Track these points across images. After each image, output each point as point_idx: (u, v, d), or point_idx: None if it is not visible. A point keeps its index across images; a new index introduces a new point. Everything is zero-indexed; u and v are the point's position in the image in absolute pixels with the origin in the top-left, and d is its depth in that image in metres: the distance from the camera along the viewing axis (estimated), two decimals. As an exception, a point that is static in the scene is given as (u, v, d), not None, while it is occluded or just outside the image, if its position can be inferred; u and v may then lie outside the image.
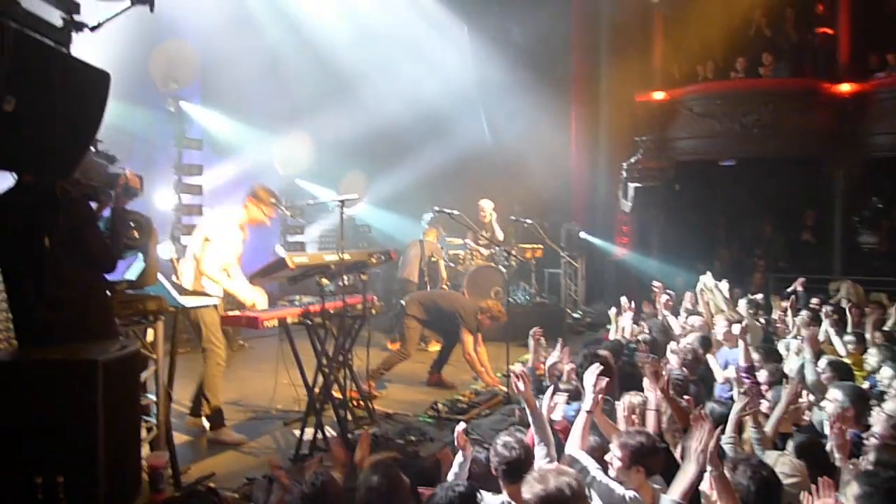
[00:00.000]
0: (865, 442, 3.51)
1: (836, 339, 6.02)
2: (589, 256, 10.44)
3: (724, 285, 7.75)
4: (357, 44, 10.18)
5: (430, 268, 8.67)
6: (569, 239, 10.30)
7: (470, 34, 10.86)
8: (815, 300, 7.87)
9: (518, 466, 3.18)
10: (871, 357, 5.32)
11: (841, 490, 2.83)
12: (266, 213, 5.43)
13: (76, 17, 3.12)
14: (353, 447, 4.38)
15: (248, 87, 9.90)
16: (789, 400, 3.90)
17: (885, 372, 4.66)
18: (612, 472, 3.07)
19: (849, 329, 6.49)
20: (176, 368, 4.41)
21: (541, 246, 9.89)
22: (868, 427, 3.66)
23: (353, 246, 8.76)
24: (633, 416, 4.01)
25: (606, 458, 3.21)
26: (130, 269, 4.18)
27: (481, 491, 3.24)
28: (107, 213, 3.78)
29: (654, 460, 3.07)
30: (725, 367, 5.50)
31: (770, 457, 3.33)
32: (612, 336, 6.68)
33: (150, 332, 4.13)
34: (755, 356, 5.02)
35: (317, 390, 5.09)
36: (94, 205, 3.62)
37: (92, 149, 3.49)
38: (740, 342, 4.91)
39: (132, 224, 3.85)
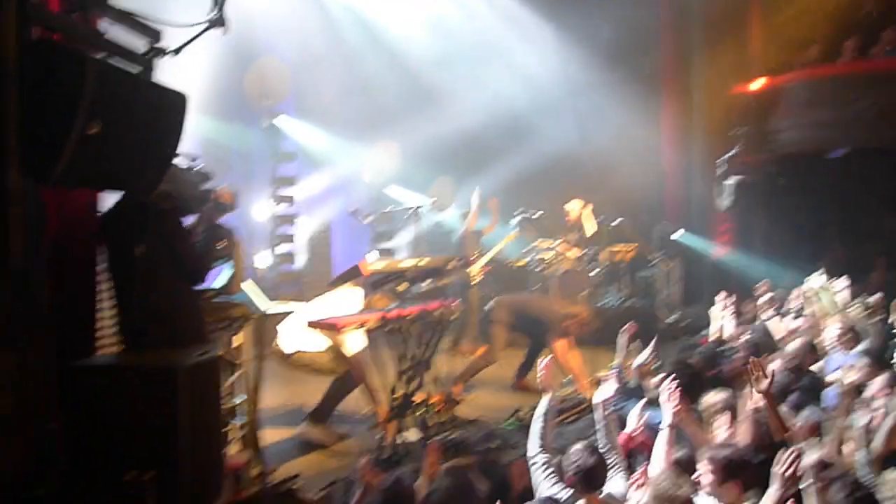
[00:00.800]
0: None
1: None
2: (684, 257, 9.98)
3: (841, 284, 7.18)
4: (441, 51, 10.27)
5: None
6: (662, 239, 9.90)
7: (555, 33, 10.69)
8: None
9: (594, 473, 3.10)
10: None
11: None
12: None
13: (158, 44, 3.33)
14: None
15: (337, 99, 10.24)
16: None
17: None
18: (704, 488, 2.93)
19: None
20: (262, 373, 4.63)
21: (632, 247, 9.58)
22: None
23: (441, 252, 8.80)
24: (720, 417, 3.81)
25: (699, 468, 3.07)
26: (218, 278, 4.42)
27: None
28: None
29: (748, 473, 2.89)
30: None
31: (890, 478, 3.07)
32: (711, 335, 6.33)
33: (236, 337, 4.34)
34: (864, 361, 4.62)
35: (399, 395, 5.19)
36: (189, 219, 3.86)
37: (186, 165, 3.72)
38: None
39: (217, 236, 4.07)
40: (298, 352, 5.28)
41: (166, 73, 3.52)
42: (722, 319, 6.26)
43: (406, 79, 10.38)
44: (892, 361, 5.10)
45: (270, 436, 5.34)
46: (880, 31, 9.39)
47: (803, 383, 4.80)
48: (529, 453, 3.50)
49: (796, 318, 6.74)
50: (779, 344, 5.83)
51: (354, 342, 5.25)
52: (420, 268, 5.07)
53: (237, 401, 4.34)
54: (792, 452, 2.67)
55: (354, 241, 10.81)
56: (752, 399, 3.65)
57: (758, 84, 9.80)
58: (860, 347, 5.28)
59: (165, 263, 3.54)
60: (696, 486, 2.90)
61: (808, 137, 9.57)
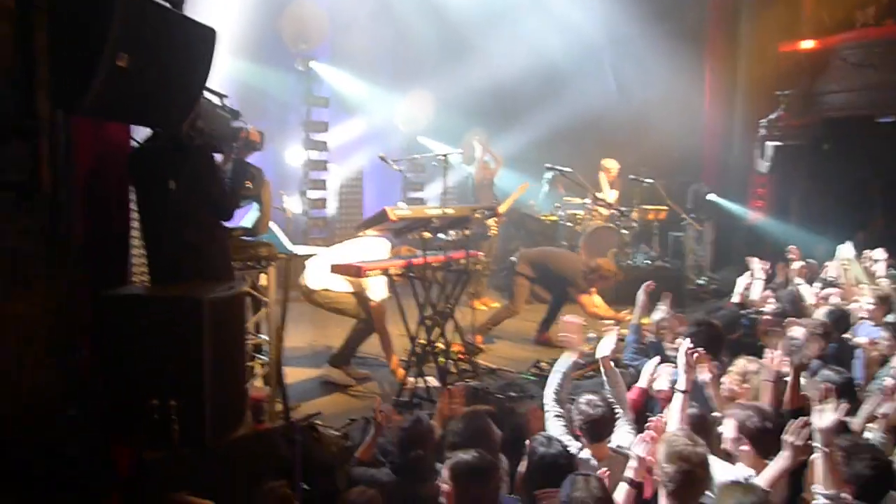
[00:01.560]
0: None
1: None
2: (718, 220, 9.78)
3: (877, 255, 7.00)
4: (481, 0, 10.05)
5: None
6: (696, 200, 9.70)
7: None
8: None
9: (601, 425, 3.14)
10: None
11: None
12: None
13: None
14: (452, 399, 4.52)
15: (373, 46, 10.12)
16: None
17: None
18: (725, 448, 2.95)
19: None
20: (287, 313, 4.74)
21: (664, 207, 9.44)
22: None
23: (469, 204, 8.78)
24: (744, 384, 3.81)
25: (720, 429, 3.09)
26: (246, 217, 4.50)
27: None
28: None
29: (766, 438, 2.88)
30: (865, 344, 5.00)
31: None
32: (734, 297, 6.26)
33: (262, 277, 4.43)
34: (888, 333, 4.54)
35: (420, 341, 5.28)
36: (217, 156, 3.91)
37: (217, 102, 3.74)
38: None
39: (246, 175, 4.11)
40: (324, 289, 5.36)
41: (204, 14, 3.52)
42: (748, 283, 6.16)
43: (444, 28, 10.19)
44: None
45: (295, 375, 5.52)
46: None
47: (829, 351, 4.75)
48: (545, 402, 3.56)
49: (826, 286, 6.61)
50: (807, 311, 5.74)
51: (377, 290, 5.32)
52: (446, 216, 5.07)
53: (263, 337, 4.46)
54: (801, 420, 2.66)
55: (386, 189, 10.82)
56: (774, 364, 3.63)
57: (808, 43, 9.40)
58: (889, 318, 5.18)
59: (196, 199, 3.60)
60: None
61: (857, 101, 9.21)
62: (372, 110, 10.35)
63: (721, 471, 2.78)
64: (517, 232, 9.93)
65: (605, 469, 2.82)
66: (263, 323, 4.49)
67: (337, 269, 5.08)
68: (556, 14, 10.09)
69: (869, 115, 9.19)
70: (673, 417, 3.11)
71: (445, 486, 2.70)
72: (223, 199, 3.73)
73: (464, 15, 10.00)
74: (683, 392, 3.16)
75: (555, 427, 3.34)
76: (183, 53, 2.88)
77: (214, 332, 3.14)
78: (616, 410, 3.30)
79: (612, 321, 4.74)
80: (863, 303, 5.60)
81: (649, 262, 9.35)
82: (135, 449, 3.01)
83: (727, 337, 4.76)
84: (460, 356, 5.81)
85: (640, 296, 5.10)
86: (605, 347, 3.55)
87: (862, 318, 5.48)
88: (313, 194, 9.44)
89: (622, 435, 3.28)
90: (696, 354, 3.24)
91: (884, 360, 4.52)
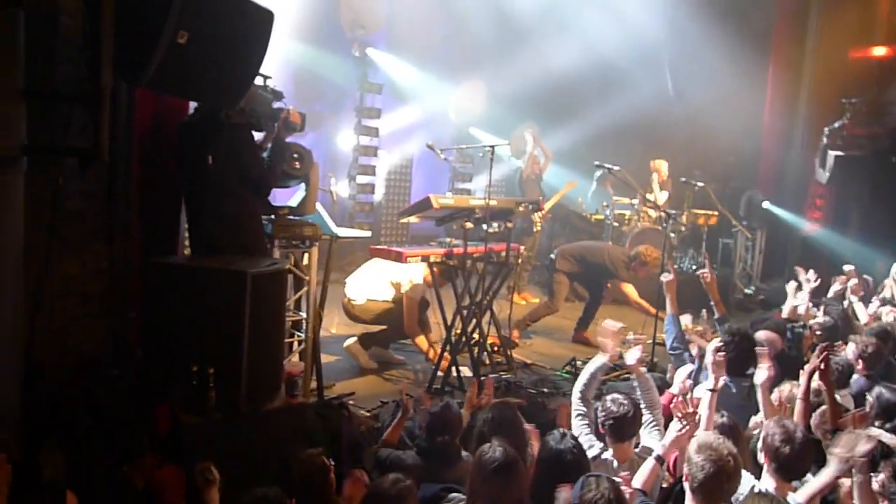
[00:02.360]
0: None
1: None
2: (771, 228, 9.50)
3: None
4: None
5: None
6: (749, 207, 9.44)
7: (661, -20, 10.14)
8: None
9: (624, 423, 3.12)
10: None
11: None
12: None
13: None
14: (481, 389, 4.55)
15: (429, 34, 10.14)
16: None
17: None
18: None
19: None
20: (328, 293, 4.85)
21: (715, 213, 9.23)
22: None
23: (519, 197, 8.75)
24: (787, 405, 3.74)
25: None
26: (293, 197, 4.59)
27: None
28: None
29: (785, 457, 2.81)
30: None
31: None
32: (784, 312, 6.09)
33: (305, 256, 4.53)
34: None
35: (456, 331, 5.31)
36: (259, 135, 4.01)
37: (260, 82, 3.84)
38: None
39: (295, 155, 4.20)
40: (368, 300, 5.46)
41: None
42: (797, 297, 5.99)
43: (501, 19, 10.15)
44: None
45: (333, 355, 5.63)
46: None
47: (876, 371, 4.59)
48: (572, 401, 3.55)
49: (884, 305, 6.37)
50: (859, 329, 5.54)
51: (416, 288, 5.39)
52: (490, 207, 5.08)
53: (302, 314, 4.56)
54: (858, 436, 2.59)
55: (434, 178, 10.87)
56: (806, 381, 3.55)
57: (880, 50, 9.02)
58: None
59: (234, 175, 3.72)
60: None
61: (930, 114, 8.81)
62: (425, 99, 10.38)
63: (747, 482, 2.74)
64: (562, 229, 9.86)
65: (626, 472, 2.80)
66: (304, 301, 4.59)
67: (376, 253, 5.15)
68: (616, 10, 9.93)
69: (943, 129, 8.79)
70: (702, 416, 3.09)
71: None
72: (261, 176, 3.83)
73: (521, 7, 9.94)
74: (712, 391, 3.17)
75: (577, 426, 3.34)
76: (241, 34, 2.97)
77: (255, 306, 3.24)
78: (643, 412, 3.26)
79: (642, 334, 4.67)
80: (915, 323, 5.40)
81: (696, 267, 9.17)
82: (172, 412, 3.13)
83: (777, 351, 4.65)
84: (495, 348, 5.82)
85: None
86: (632, 356, 3.52)
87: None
88: (362, 179, 9.55)
89: (650, 439, 3.26)
90: (721, 354, 3.22)
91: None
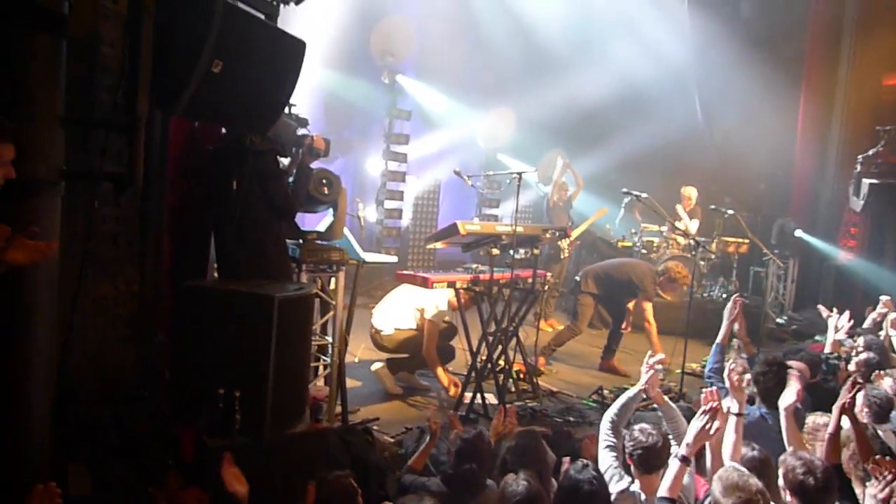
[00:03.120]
0: None
1: None
2: (804, 257, 9.31)
3: None
4: (569, 20, 10.03)
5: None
6: (781, 236, 9.27)
7: (690, 9, 10.12)
8: None
9: (652, 454, 3.05)
10: None
11: None
12: None
13: (284, -8, 3.50)
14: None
15: (458, 62, 10.28)
16: None
17: None
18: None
19: None
20: (353, 317, 4.86)
21: (746, 240, 9.10)
22: None
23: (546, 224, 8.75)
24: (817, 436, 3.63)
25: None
26: (321, 222, 4.65)
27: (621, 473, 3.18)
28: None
29: (807, 492, 2.73)
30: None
31: None
32: (827, 347, 5.92)
33: (332, 280, 4.56)
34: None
35: (482, 358, 5.28)
36: (284, 161, 4.08)
37: (285, 110, 3.91)
38: None
39: (324, 181, 4.26)
40: (396, 328, 5.47)
41: (297, 26, 3.68)
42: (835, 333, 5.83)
43: (529, 47, 10.24)
44: None
45: (358, 380, 5.63)
46: None
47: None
48: (601, 430, 3.48)
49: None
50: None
51: (439, 315, 5.39)
52: (516, 234, 5.07)
53: (328, 339, 4.57)
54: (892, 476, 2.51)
55: (461, 204, 10.93)
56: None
57: (916, 78, 8.89)
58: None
59: (259, 201, 3.79)
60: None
61: (967, 142, 8.61)
62: (453, 125, 10.49)
63: None
64: (589, 255, 9.80)
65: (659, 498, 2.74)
66: (330, 325, 4.61)
67: (402, 278, 5.16)
68: (645, 37, 9.95)
69: (980, 157, 8.58)
70: (728, 440, 3.05)
71: None
72: (285, 202, 3.89)
73: (550, 35, 10.02)
74: (738, 415, 3.13)
75: (605, 457, 3.26)
76: (273, 63, 3.04)
77: (282, 330, 3.26)
78: (672, 444, 3.19)
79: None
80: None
81: (726, 295, 9.03)
82: (198, 434, 3.15)
83: (807, 381, 4.53)
84: (521, 376, 5.77)
85: (728, 311, 4.76)
86: (645, 381, 3.46)
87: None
88: (390, 204, 9.63)
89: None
90: (739, 378, 3.21)
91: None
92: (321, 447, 3.53)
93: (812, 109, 9.75)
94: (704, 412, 2.87)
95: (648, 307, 6.53)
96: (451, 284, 5.09)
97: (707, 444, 2.98)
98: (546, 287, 6.11)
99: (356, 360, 5.96)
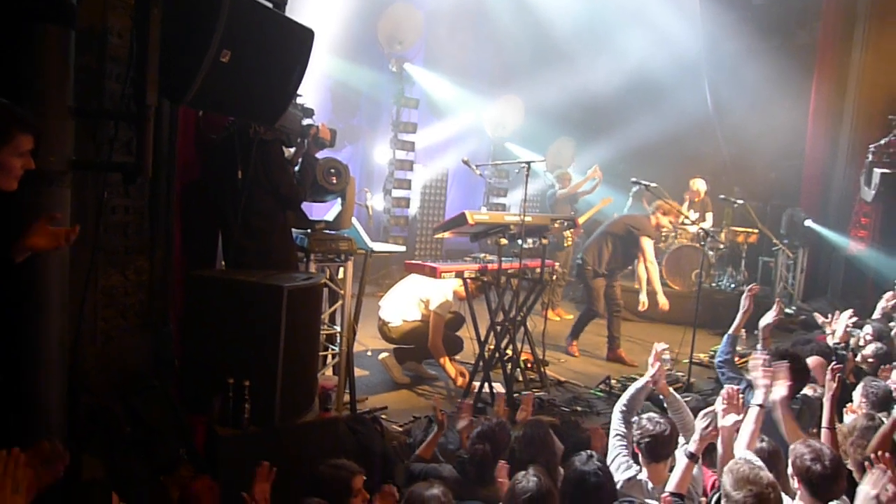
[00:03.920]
0: None
1: None
2: (813, 247, 9.25)
3: None
4: (576, 8, 9.95)
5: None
6: (791, 226, 9.21)
7: (702, -4, 10.02)
8: None
9: (660, 443, 3.05)
10: None
11: None
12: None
13: (293, -19, 3.46)
14: (516, 407, 4.51)
15: (466, 50, 10.22)
16: None
17: None
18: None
19: None
20: (362, 307, 4.87)
21: (755, 231, 9.05)
22: None
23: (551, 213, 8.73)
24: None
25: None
26: (329, 212, 4.64)
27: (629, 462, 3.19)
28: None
29: (816, 479, 2.72)
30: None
31: None
32: (835, 340, 5.89)
33: (341, 270, 4.57)
34: None
35: (489, 347, 5.29)
36: (290, 150, 4.07)
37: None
38: None
39: (332, 171, 4.25)
40: (403, 320, 5.47)
41: (305, 13, 3.66)
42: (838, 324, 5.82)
43: (539, 35, 10.17)
44: None
45: (366, 369, 5.65)
46: None
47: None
48: (612, 419, 3.49)
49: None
50: (902, 352, 5.35)
51: (444, 305, 5.38)
52: (524, 224, 5.05)
53: (337, 328, 4.58)
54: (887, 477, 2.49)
55: (469, 193, 10.91)
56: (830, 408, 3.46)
57: (930, 66, 8.75)
58: None
59: (264, 190, 3.78)
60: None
61: (982, 131, 8.49)
62: (461, 114, 10.44)
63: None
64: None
65: (666, 494, 2.74)
66: (338, 314, 4.62)
67: (410, 267, 5.16)
68: (654, 26, 9.86)
69: None
70: (745, 430, 3.02)
71: None
72: (290, 192, 3.89)
73: (558, 23, 9.94)
74: (760, 406, 3.09)
75: (614, 446, 3.28)
76: (281, 52, 3.01)
77: (291, 319, 3.27)
78: (682, 438, 3.19)
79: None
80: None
81: (734, 286, 8.99)
82: (208, 424, 3.17)
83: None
84: (528, 365, 5.77)
85: (744, 301, 4.79)
86: (652, 373, 3.45)
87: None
88: (397, 193, 9.61)
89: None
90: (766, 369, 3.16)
91: None
92: (330, 436, 3.54)
93: (824, 98, 9.64)
94: (719, 410, 2.85)
95: (648, 245, 6.54)
96: (460, 274, 5.09)
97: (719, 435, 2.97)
98: (554, 277, 6.09)
99: (368, 352, 5.97)
